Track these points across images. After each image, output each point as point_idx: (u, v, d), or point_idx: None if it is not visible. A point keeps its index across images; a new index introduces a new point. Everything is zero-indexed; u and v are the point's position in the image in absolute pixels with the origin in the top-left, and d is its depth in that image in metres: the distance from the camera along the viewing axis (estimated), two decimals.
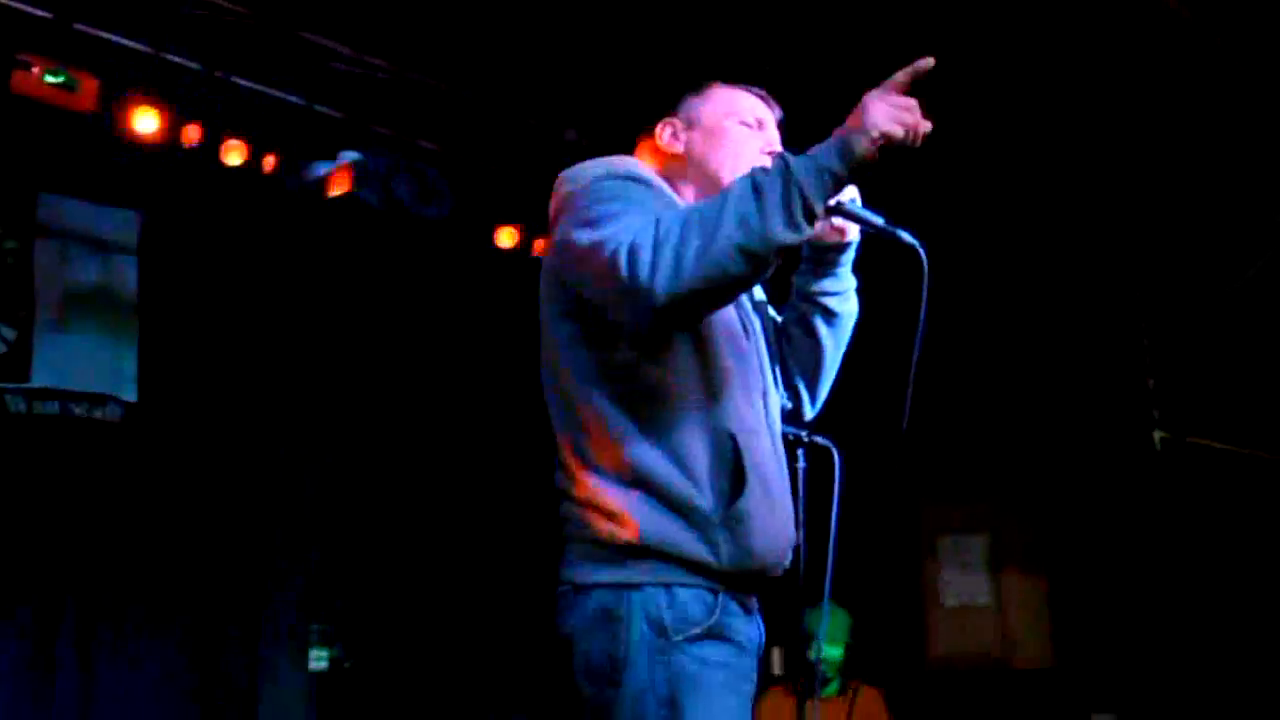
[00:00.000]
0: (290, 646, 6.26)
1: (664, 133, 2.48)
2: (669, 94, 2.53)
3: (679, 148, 2.46)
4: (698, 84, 2.52)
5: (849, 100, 2.08)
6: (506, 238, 6.06)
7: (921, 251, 2.25)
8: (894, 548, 7.27)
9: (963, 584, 7.45)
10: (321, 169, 5.17)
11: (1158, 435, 5.80)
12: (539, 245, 6.16)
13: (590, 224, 2.12)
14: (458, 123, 5.71)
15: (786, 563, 2.30)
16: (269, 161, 5.07)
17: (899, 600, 7.34)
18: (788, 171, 1.99)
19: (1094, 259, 6.77)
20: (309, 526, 6.49)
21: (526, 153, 5.89)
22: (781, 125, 2.53)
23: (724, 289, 2.02)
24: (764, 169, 2.03)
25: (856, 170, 2.03)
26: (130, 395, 5.89)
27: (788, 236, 1.98)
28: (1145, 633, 6.74)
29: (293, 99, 5.07)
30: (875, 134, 2.01)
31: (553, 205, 2.34)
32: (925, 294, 2.24)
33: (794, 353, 2.57)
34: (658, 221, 2.02)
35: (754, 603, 2.28)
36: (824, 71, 4.95)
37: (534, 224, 6.12)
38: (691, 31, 5.20)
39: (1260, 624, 6.37)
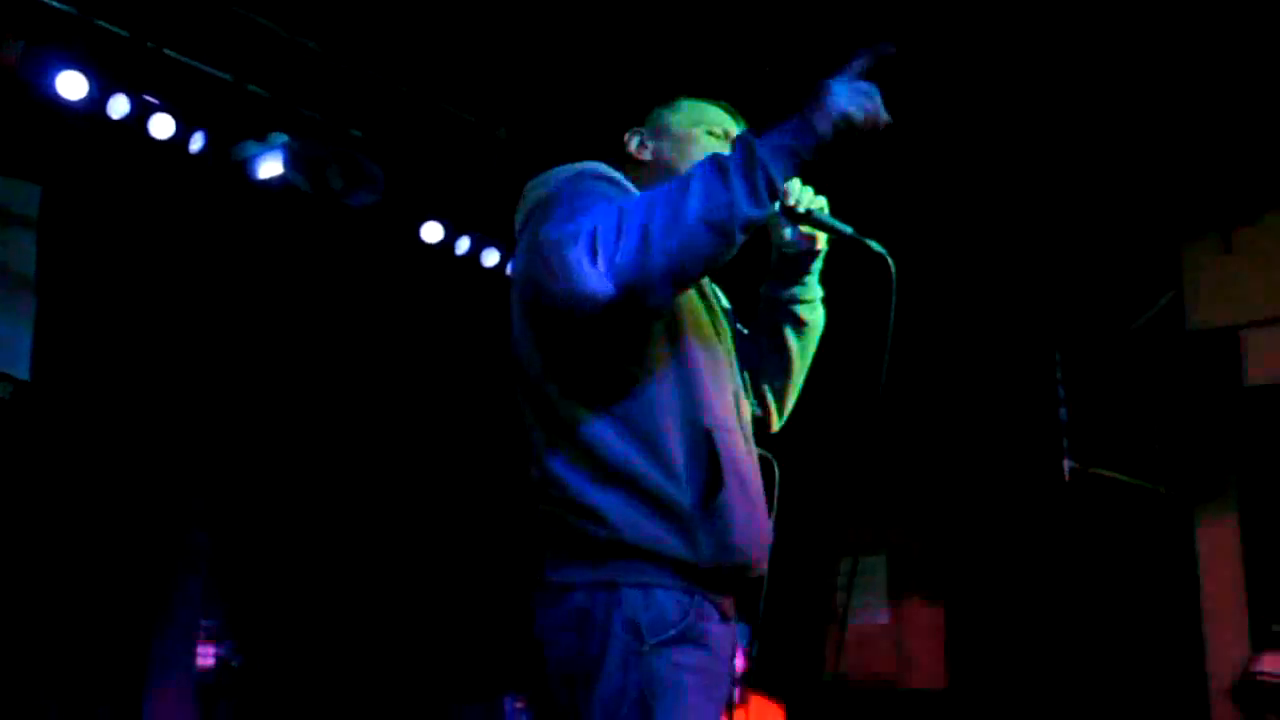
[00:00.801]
0: (181, 644, 6.06)
1: (631, 140, 2.51)
2: (635, 106, 2.55)
3: (647, 155, 2.49)
4: (666, 97, 2.55)
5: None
6: (433, 232, 5.93)
7: (890, 260, 2.30)
8: (797, 564, 7.28)
9: (862, 604, 7.49)
10: (249, 149, 5.00)
11: (1067, 465, 5.89)
12: (463, 243, 6.05)
13: (560, 220, 2.10)
14: (388, 113, 5.57)
15: (765, 563, 2.28)
16: (196, 138, 4.87)
17: (799, 617, 7.36)
18: (750, 148, 2.01)
19: (1009, 288, 6.88)
20: (205, 519, 6.28)
21: (457, 148, 5.78)
22: None
23: (690, 265, 2.01)
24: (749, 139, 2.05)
25: (816, 150, 2.06)
26: (23, 374, 5.61)
27: (753, 211, 2.00)
28: (1039, 657, 6.84)
29: (223, 75, 4.89)
30: (835, 115, 2.03)
31: (522, 211, 2.31)
32: (894, 302, 2.30)
33: (762, 363, 2.56)
34: (621, 208, 2.02)
35: (730, 607, 2.25)
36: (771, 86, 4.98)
37: (460, 220, 6.01)
38: (630, 39, 5.18)
39: (1153, 654, 6.50)
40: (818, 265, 2.54)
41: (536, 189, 2.29)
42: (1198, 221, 6.68)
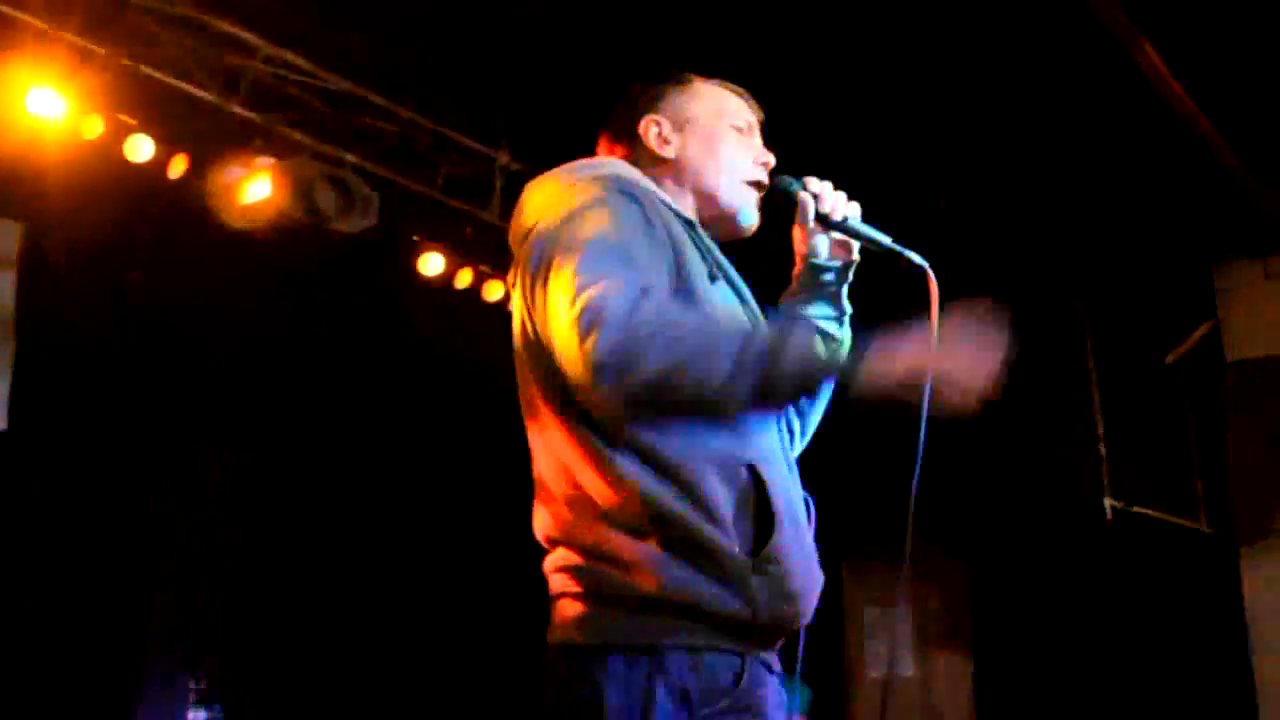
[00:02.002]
0: (167, 705, 5.81)
1: (650, 131, 2.20)
2: (647, 88, 2.25)
3: (669, 151, 2.20)
4: (680, 78, 2.28)
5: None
6: (430, 263, 5.64)
7: (930, 273, 2.08)
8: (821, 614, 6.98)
9: (886, 655, 7.22)
10: (236, 174, 4.72)
11: (1109, 504, 5.59)
12: (465, 276, 5.77)
13: (563, 266, 1.84)
14: (382, 136, 5.31)
15: (812, 612, 2.00)
16: (177, 162, 4.60)
17: (822, 670, 7.07)
18: (787, 359, 1.77)
19: (1043, 322, 6.65)
20: (191, 573, 6.05)
21: (457, 174, 5.52)
22: (764, 127, 2.32)
23: (661, 413, 1.82)
24: (784, 335, 1.79)
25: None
26: (0, 422, 5.36)
27: (739, 406, 1.82)
28: (1075, 713, 6.51)
29: (206, 95, 4.62)
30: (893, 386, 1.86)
31: (523, 216, 2.03)
32: (935, 319, 2.03)
33: None
34: (640, 301, 1.75)
35: (776, 661, 1.98)
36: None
37: (461, 253, 5.74)
38: (634, 57, 4.95)
39: (1201, 710, 6.18)
40: (849, 277, 2.32)
41: (540, 192, 2.01)
42: (1234, 249, 6.52)
